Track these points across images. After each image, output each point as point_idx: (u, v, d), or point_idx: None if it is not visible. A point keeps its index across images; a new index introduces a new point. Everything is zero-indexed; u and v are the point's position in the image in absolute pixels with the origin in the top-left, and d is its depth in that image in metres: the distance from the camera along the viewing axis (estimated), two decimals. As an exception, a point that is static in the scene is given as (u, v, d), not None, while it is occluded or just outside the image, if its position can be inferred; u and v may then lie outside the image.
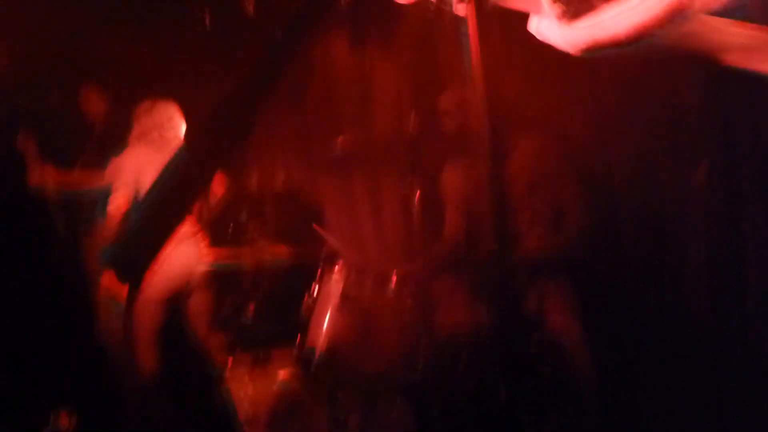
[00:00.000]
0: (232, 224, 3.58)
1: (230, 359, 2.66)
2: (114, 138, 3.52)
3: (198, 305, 3.44)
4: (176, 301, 3.35)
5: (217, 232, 3.80)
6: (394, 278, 2.50)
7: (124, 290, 3.05)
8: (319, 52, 4.17)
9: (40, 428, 2.86)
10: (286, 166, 4.19)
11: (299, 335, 2.43)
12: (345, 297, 2.45)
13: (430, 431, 2.50)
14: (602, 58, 2.88)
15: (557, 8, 1.26)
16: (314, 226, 3.24)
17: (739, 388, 2.45)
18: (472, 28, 1.48)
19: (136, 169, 3.25)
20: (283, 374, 2.62)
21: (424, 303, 2.50)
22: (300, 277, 2.73)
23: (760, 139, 2.41)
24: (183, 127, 3.48)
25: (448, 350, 2.55)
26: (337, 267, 2.55)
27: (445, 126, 2.83)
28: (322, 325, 2.42)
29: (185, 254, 3.29)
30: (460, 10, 1.60)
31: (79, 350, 3.25)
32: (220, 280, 3.39)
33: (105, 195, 3.28)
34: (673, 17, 1.26)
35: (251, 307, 3.02)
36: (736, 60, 1.34)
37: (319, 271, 2.56)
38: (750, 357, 2.45)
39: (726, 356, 2.47)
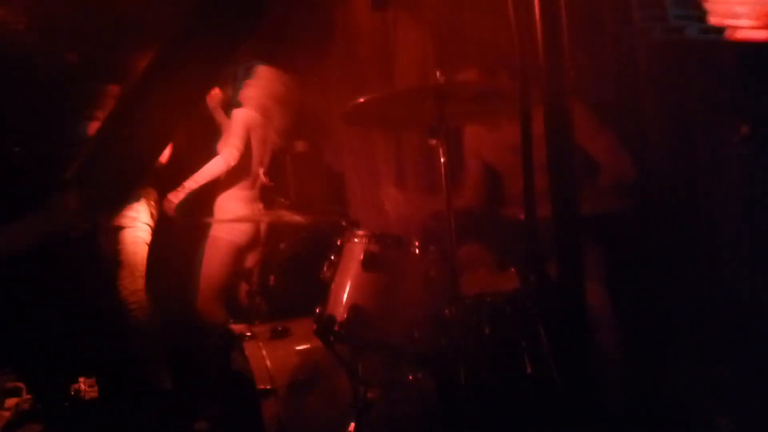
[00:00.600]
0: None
1: (248, 329, 2.62)
2: None
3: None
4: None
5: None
6: (417, 243, 2.42)
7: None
8: (341, 9, 4.07)
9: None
10: (307, 130, 4.13)
11: (318, 305, 2.37)
12: (365, 265, 2.37)
13: (453, 400, 2.45)
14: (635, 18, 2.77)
15: None
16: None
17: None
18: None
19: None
20: (302, 345, 2.58)
21: (448, 267, 2.41)
22: (319, 245, 2.67)
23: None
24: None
25: (473, 317, 2.49)
26: (357, 234, 2.48)
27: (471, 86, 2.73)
28: (342, 295, 2.36)
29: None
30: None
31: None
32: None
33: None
34: None
35: (270, 276, 2.98)
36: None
37: (339, 239, 2.49)
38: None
39: (762, 332, 2.38)
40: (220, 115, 3.70)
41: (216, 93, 3.73)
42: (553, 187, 1.12)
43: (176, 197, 3.46)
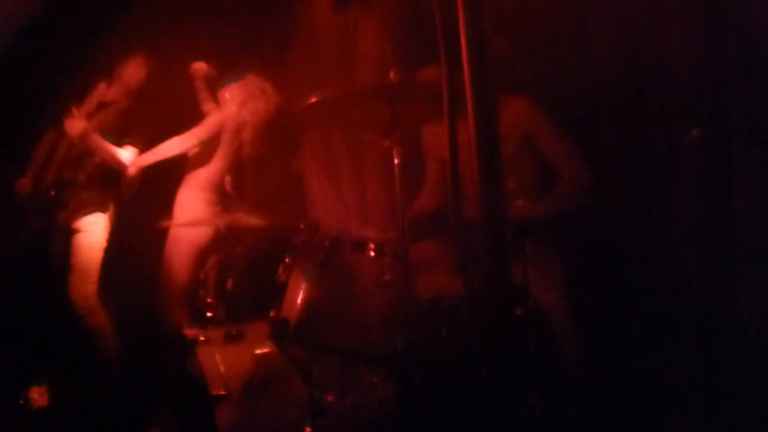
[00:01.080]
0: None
1: (202, 333, 2.57)
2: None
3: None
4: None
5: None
6: (373, 244, 2.40)
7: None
8: (301, 8, 4.04)
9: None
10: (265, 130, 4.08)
11: (273, 307, 2.34)
12: (321, 266, 2.34)
13: (410, 403, 2.44)
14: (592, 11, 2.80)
15: None
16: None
17: (727, 354, 2.40)
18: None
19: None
20: (256, 348, 2.54)
21: (404, 269, 2.40)
22: (275, 246, 2.63)
23: (754, 97, 2.32)
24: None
25: (430, 319, 2.48)
26: (313, 237, 2.45)
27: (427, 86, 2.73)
28: (297, 297, 2.33)
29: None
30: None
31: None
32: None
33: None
34: None
35: (226, 279, 2.93)
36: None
37: (295, 241, 2.46)
38: (739, 322, 2.39)
39: (715, 322, 2.41)
40: (201, 89, 3.62)
41: (201, 66, 3.64)
42: (482, 191, 1.11)
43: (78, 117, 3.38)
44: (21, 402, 2.78)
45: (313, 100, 2.27)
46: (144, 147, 3.57)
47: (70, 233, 3.40)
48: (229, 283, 3.01)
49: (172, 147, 3.53)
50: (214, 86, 3.69)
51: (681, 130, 2.49)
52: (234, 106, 3.68)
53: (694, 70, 2.46)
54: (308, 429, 2.29)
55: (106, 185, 3.53)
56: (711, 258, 2.48)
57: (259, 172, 3.83)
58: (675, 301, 2.62)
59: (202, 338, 2.53)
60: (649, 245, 2.74)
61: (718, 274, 2.45)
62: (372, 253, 2.38)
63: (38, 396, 2.78)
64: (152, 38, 3.76)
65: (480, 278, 2.69)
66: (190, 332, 2.59)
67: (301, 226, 2.67)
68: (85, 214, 3.43)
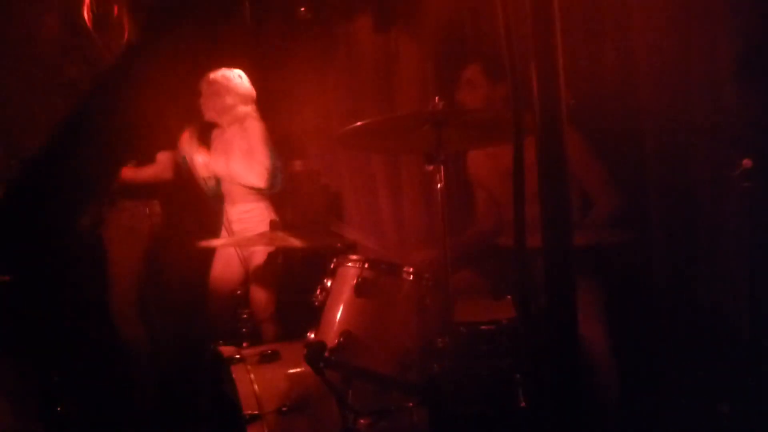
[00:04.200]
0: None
1: (237, 352, 2.57)
2: None
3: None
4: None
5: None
6: (412, 269, 2.38)
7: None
8: (343, 31, 4.07)
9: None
10: (305, 150, 4.12)
11: (309, 330, 2.33)
12: (358, 291, 2.33)
13: (444, 430, 2.40)
14: (636, 37, 2.77)
15: None
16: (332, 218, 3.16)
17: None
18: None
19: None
20: (291, 369, 2.53)
21: (444, 294, 2.38)
22: (313, 268, 2.63)
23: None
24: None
25: (467, 346, 2.44)
26: (351, 259, 2.44)
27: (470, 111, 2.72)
28: (334, 320, 2.31)
29: None
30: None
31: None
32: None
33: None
34: None
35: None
36: None
37: (333, 263, 2.45)
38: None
39: (763, 368, 2.34)
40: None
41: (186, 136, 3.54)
42: (546, 218, 1.08)
43: None
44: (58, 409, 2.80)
45: (358, 124, 2.27)
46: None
47: (113, 239, 3.42)
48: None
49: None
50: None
51: (729, 160, 2.44)
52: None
53: (744, 98, 2.41)
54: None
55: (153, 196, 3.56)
56: (759, 296, 2.41)
57: (297, 189, 3.85)
58: (718, 337, 2.56)
59: (237, 356, 2.52)
60: (693, 279, 2.68)
61: (765, 313, 2.38)
62: (411, 278, 2.35)
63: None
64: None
65: (517, 305, 2.67)
66: (225, 350, 2.59)
67: (338, 245, 2.67)
68: (132, 214, 3.46)
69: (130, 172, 3.46)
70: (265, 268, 3.35)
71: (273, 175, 3.38)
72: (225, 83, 3.47)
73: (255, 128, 3.46)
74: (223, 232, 3.43)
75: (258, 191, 3.43)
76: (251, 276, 3.37)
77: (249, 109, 3.52)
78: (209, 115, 3.52)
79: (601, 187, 2.76)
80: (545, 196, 1.08)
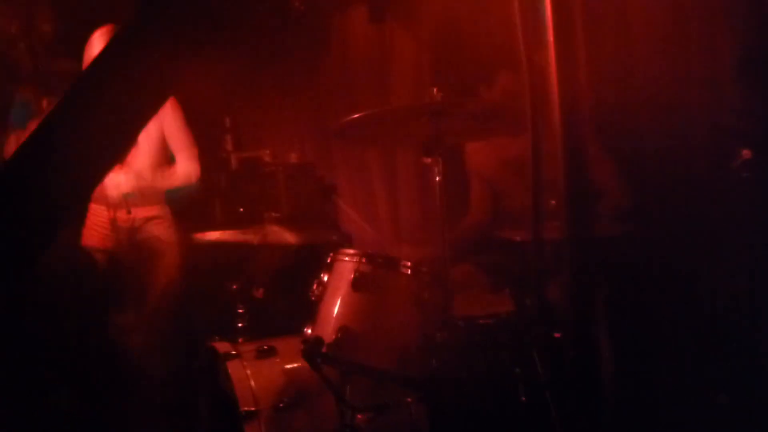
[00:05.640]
0: (242, 204, 3.48)
1: (233, 348, 2.54)
2: None
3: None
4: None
5: (226, 212, 3.72)
6: (410, 263, 2.36)
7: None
8: (338, 22, 4.03)
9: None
10: (300, 142, 4.08)
11: (306, 325, 2.30)
12: (355, 285, 2.30)
13: (443, 425, 2.38)
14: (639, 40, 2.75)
15: None
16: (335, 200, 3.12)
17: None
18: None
19: None
20: (288, 365, 2.50)
21: (442, 288, 2.35)
22: (309, 263, 2.60)
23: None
24: None
25: (466, 340, 2.42)
26: (348, 253, 2.41)
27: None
28: (331, 315, 2.28)
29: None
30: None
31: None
32: (226, 265, 3.28)
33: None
34: None
35: (258, 294, 2.90)
36: None
37: (330, 257, 2.42)
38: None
39: (762, 357, 2.33)
40: None
41: None
42: (569, 208, 1.05)
43: None
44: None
45: (355, 116, 2.23)
46: None
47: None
48: (261, 293, 2.97)
49: None
50: None
51: (729, 152, 2.42)
52: None
53: (744, 88, 2.39)
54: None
55: None
56: (758, 287, 2.40)
57: (291, 183, 3.81)
58: (717, 329, 2.55)
59: (233, 352, 2.49)
60: (693, 271, 2.66)
61: (765, 307, 2.37)
62: (408, 271, 2.33)
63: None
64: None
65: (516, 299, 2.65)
66: (220, 346, 2.56)
67: (334, 238, 2.64)
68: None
69: None
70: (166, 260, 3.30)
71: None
72: None
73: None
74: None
75: None
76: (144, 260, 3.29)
77: None
78: None
79: (609, 179, 2.75)
80: (568, 189, 1.05)
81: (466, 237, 3.09)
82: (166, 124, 3.35)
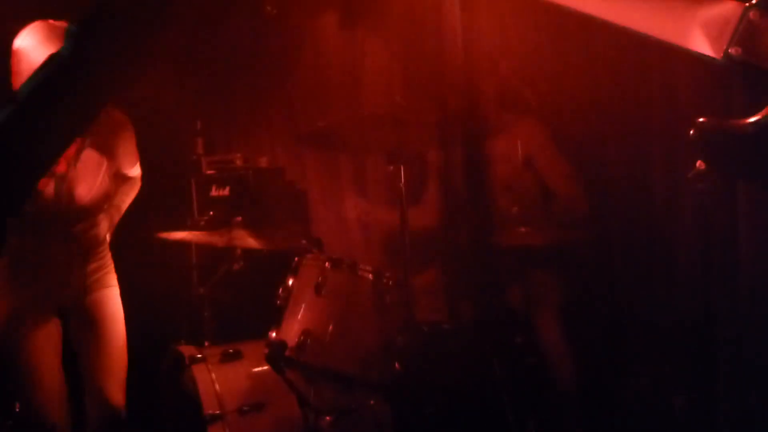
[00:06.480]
0: (212, 209, 3.48)
1: (198, 351, 2.55)
2: None
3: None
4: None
5: (198, 211, 3.71)
6: (371, 268, 2.40)
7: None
8: (309, 27, 4.05)
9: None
10: (271, 147, 4.09)
11: (271, 329, 2.32)
12: (318, 290, 2.33)
13: (407, 427, 2.42)
14: (601, 46, 2.81)
15: None
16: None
17: (730, 390, 2.38)
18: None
19: None
20: (253, 369, 2.52)
21: (404, 295, 2.39)
22: (275, 268, 2.62)
23: (760, 137, 2.32)
24: None
25: (429, 345, 2.47)
26: (313, 258, 2.44)
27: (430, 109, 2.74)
28: (295, 319, 2.32)
29: None
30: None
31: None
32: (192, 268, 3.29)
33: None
34: None
35: (223, 298, 2.91)
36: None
37: (295, 261, 2.45)
38: (742, 360, 2.38)
39: (718, 359, 2.39)
40: None
41: None
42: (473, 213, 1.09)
43: None
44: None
45: (320, 124, 2.27)
46: None
47: None
48: (222, 301, 2.97)
49: None
50: None
51: (685, 161, 2.49)
52: None
53: (701, 99, 2.46)
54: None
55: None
56: (713, 292, 2.46)
57: (262, 187, 3.82)
58: (673, 333, 2.61)
59: (198, 356, 2.50)
60: (650, 275, 2.73)
61: (720, 310, 2.44)
62: (370, 276, 2.37)
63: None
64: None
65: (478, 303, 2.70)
66: (185, 349, 2.56)
67: (303, 242, 2.67)
68: None
69: None
70: None
71: None
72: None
73: None
74: None
75: None
76: None
77: None
78: None
79: (562, 180, 2.79)
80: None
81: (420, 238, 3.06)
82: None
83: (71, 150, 2.35)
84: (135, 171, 2.62)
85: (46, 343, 2.36)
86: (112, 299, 2.52)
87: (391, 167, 2.28)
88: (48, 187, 2.31)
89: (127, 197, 2.67)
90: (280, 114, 4.08)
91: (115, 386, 2.41)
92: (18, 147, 0.93)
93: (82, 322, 2.44)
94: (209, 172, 3.80)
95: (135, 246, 3.37)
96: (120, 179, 2.56)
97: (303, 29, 4.04)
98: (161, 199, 3.55)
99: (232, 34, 4.06)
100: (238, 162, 3.82)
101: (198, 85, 4.05)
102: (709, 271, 2.45)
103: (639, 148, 2.72)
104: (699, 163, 2.39)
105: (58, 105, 0.94)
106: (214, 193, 3.75)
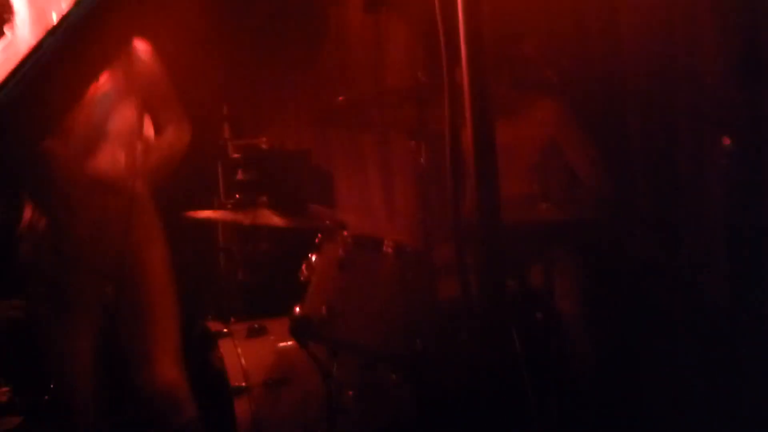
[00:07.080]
0: (238, 188, 3.52)
1: (225, 327, 2.60)
2: None
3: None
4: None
5: (225, 194, 3.76)
6: (393, 244, 2.42)
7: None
8: (333, 11, 4.06)
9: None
10: (297, 130, 4.13)
11: (295, 305, 2.36)
12: (342, 266, 2.36)
13: (428, 404, 2.44)
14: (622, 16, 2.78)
15: None
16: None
17: (752, 376, 2.37)
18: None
19: None
20: (278, 344, 2.57)
21: (426, 272, 2.41)
22: (299, 245, 2.65)
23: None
24: None
25: (450, 323, 2.48)
26: (336, 235, 2.47)
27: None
28: (319, 295, 2.35)
29: None
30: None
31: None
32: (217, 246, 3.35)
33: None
34: None
35: (248, 274, 2.96)
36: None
37: (319, 239, 2.48)
38: (764, 334, 2.36)
39: (741, 344, 2.37)
40: None
41: None
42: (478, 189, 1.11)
43: None
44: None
45: (341, 99, 2.29)
46: None
47: None
48: (248, 278, 3.02)
49: None
50: None
51: (711, 139, 2.47)
52: None
53: (726, 77, 2.43)
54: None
55: None
56: (739, 272, 2.44)
57: (287, 168, 3.85)
58: (695, 313, 2.59)
59: (224, 331, 2.56)
60: (674, 257, 2.70)
61: (746, 289, 2.41)
62: (392, 252, 2.39)
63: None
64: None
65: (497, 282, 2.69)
66: (213, 325, 2.62)
67: (327, 222, 2.71)
68: None
69: None
70: None
71: None
72: None
73: None
74: None
75: None
76: None
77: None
78: None
79: (589, 166, 2.79)
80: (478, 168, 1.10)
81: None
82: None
83: None
84: None
85: (81, 320, 2.38)
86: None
87: (413, 143, 2.30)
88: None
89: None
90: (306, 97, 4.12)
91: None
92: None
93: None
94: (235, 155, 3.85)
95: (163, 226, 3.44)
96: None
97: (327, 12, 4.07)
98: (188, 183, 3.61)
99: (257, 18, 4.09)
100: (264, 145, 3.87)
101: (224, 69, 4.10)
102: (734, 250, 2.43)
103: (664, 125, 2.69)
104: (724, 140, 2.38)
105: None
106: (240, 176, 3.80)
